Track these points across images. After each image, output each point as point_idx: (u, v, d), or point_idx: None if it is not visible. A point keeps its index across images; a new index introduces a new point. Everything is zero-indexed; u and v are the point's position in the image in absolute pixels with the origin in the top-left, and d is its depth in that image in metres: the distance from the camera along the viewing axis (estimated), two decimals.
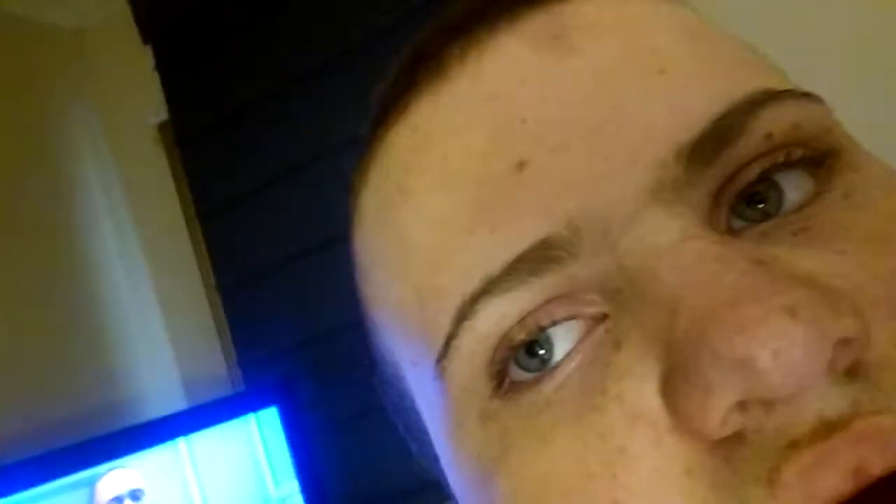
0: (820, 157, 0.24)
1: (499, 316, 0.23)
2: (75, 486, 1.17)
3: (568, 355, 0.24)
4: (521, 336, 0.24)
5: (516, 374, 0.24)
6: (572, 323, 0.24)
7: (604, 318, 0.23)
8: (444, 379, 0.25)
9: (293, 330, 1.44)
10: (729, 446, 0.20)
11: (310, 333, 1.42)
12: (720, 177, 0.23)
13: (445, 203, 0.25)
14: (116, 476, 1.20)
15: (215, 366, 1.47)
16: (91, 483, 1.19)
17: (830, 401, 0.19)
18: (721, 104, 0.23)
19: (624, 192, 0.23)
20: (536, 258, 0.23)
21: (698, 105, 0.23)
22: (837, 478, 0.18)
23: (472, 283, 0.23)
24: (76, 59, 1.53)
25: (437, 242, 0.25)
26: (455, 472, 0.27)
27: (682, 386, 0.21)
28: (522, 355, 0.24)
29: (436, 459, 0.29)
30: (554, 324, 0.24)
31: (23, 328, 1.29)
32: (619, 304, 0.23)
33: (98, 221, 1.48)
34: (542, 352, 0.24)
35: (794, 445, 0.19)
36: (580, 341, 0.24)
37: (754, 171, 0.23)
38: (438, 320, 0.24)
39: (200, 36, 1.52)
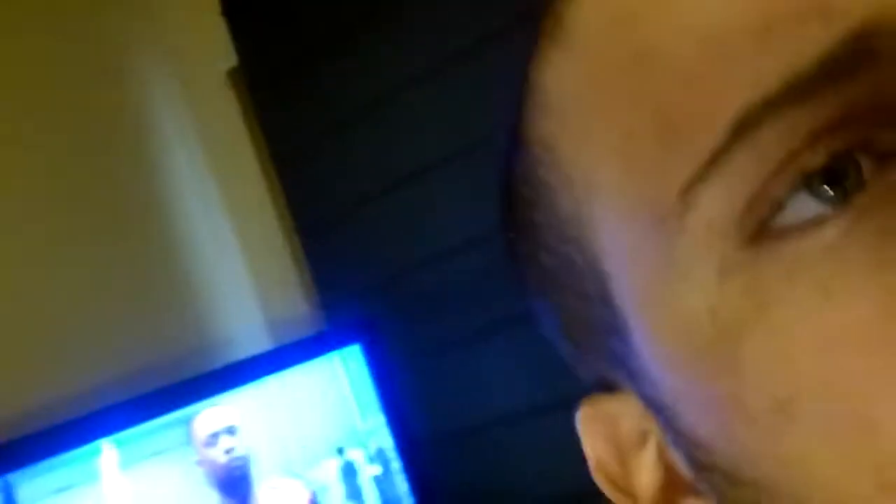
0: None
1: (791, 132, 0.19)
2: (174, 424, 1.23)
3: (859, 192, 0.19)
4: (817, 160, 0.19)
5: (790, 215, 0.20)
6: (861, 157, 0.20)
7: None
8: (682, 215, 0.21)
9: (373, 269, 1.46)
10: None
11: (389, 272, 1.44)
12: None
13: (718, 7, 0.20)
14: (212, 414, 1.25)
15: (298, 306, 1.51)
16: (188, 421, 1.24)
17: None
18: None
19: None
20: (853, 54, 0.18)
21: None
22: None
23: (763, 87, 0.19)
24: (146, 7, 1.54)
25: (702, 53, 0.20)
26: (661, 337, 0.23)
27: None
28: (816, 186, 0.19)
29: (608, 333, 0.25)
30: (846, 153, 0.19)
31: (111, 278, 1.34)
32: None
33: (176, 169, 1.51)
34: (829, 188, 0.19)
35: None
36: (871, 178, 0.19)
37: None
38: (690, 144, 0.20)
39: None
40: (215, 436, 1.24)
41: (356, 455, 1.37)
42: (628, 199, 0.22)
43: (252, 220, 1.54)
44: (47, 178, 1.33)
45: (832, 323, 0.19)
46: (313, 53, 1.46)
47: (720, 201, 0.20)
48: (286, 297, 1.51)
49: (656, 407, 0.24)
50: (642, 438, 0.26)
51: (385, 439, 1.39)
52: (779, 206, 0.20)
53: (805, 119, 0.19)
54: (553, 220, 0.25)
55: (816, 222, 0.20)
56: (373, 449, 1.38)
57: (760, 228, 0.20)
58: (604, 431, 0.27)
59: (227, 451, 1.23)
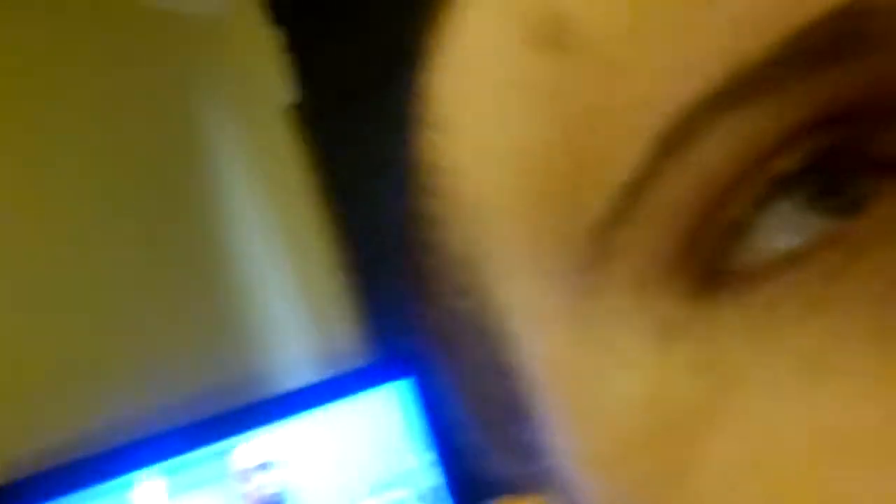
0: None
1: (738, 139, 0.13)
2: (214, 456, 1.22)
3: (856, 216, 0.14)
4: (789, 163, 0.14)
5: (755, 247, 0.14)
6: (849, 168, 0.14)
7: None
8: (601, 264, 0.15)
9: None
10: None
11: None
12: None
13: None
14: (253, 447, 1.24)
15: (350, 337, 1.49)
16: (228, 453, 1.23)
17: None
18: None
19: None
20: (824, 39, 0.13)
21: None
22: None
23: (697, 84, 0.13)
24: (210, 46, 1.58)
25: (617, 35, 0.14)
26: (584, 433, 0.17)
27: None
28: (789, 200, 0.14)
29: (516, 418, 0.19)
30: (832, 156, 0.14)
31: (163, 305, 1.36)
32: None
33: (234, 201, 1.54)
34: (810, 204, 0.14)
35: None
36: (872, 198, 0.14)
37: None
38: (604, 166, 0.14)
39: (329, 17, 1.54)
40: (247, 472, 1.22)
41: (403, 494, 1.33)
42: (528, 235, 0.16)
43: (308, 249, 1.54)
44: (106, 205, 1.37)
45: (832, 423, 0.13)
46: (371, 90, 1.46)
47: (650, 242, 0.14)
48: (338, 328, 1.50)
49: None
50: None
51: (436, 478, 1.34)
52: (737, 233, 0.14)
53: (764, 120, 0.13)
54: (447, 265, 0.20)
55: (794, 259, 0.14)
56: (422, 488, 1.34)
57: (712, 268, 0.14)
58: None
59: (260, 488, 1.22)
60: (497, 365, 0.19)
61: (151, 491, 1.16)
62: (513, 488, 0.21)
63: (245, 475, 1.22)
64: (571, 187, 0.15)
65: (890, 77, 0.13)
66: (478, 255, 0.18)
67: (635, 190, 0.14)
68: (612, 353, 0.15)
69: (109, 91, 1.41)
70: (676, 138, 0.14)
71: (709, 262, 0.14)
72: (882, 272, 0.13)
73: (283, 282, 1.53)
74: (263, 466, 1.22)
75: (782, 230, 0.14)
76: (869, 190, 0.14)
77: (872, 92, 0.13)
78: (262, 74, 1.58)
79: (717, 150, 0.13)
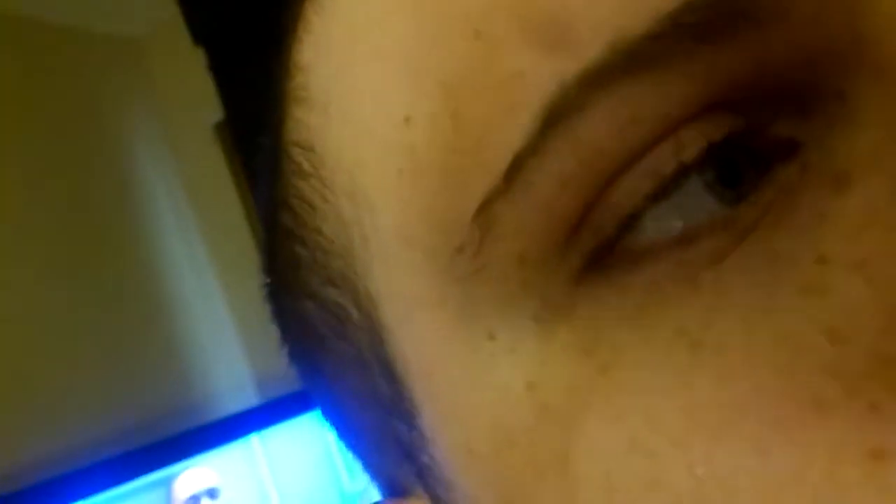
0: None
1: (627, 117, 0.13)
2: (153, 486, 1.18)
3: (743, 202, 0.13)
4: (689, 151, 0.13)
5: (650, 231, 0.13)
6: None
7: (791, 149, 0.13)
8: (481, 245, 0.14)
9: None
10: None
11: None
12: None
13: None
14: (193, 475, 1.21)
15: (286, 361, 1.47)
16: (168, 482, 1.19)
17: None
18: None
19: None
20: (706, 15, 0.12)
21: None
22: None
23: (584, 57, 0.13)
24: (134, 66, 1.54)
25: (496, 7, 0.14)
26: (458, 423, 0.16)
27: None
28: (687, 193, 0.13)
29: (390, 414, 0.18)
30: (728, 143, 0.13)
31: (96, 333, 1.31)
32: (832, 119, 0.13)
33: (163, 224, 1.50)
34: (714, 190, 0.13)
35: None
36: (760, 183, 0.13)
37: None
38: (489, 139, 0.14)
39: (252, 34, 1.52)
40: (195, 498, 1.19)
41: None
42: (406, 215, 0.15)
43: (238, 272, 1.51)
44: (35, 234, 1.31)
45: (706, 399, 0.13)
46: None
47: (533, 222, 0.14)
48: (273, 351, 1.48)
49: None
50: None
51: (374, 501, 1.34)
52: (633, 219, 0.13)
53: (647, 100, 0.13)
54: (317, 251, 0.18)
55: (682, 240, 0.13)
56: None
57: (597, 249, 0.14)
58: None
59: None
60: (369, 358, 0.18)
61: None
62: (397, 491, 0.20)
63: (192, 502, 1.18)
64: (453, 164, 0.14)
65: (776, 60, 0.13)
66: (352, 241, 0.17)
67: (519, 165, 0.13)
68: (490, 340, 0.15)
69: (33, 114, 1.36)
70: (560, 112, 0.13)
71: (595, 244, 0.14)
72: (760, 256, 0.13)
73: (216, 305, 1.49)
74: (211, 492, 1.19)
75: (671, 214, 0.14)
76: (760, 177, 0.13)
77: (760, 74, 0.13)
78: (187, 94, 1.56)
79: (601, 126, 0.13)
